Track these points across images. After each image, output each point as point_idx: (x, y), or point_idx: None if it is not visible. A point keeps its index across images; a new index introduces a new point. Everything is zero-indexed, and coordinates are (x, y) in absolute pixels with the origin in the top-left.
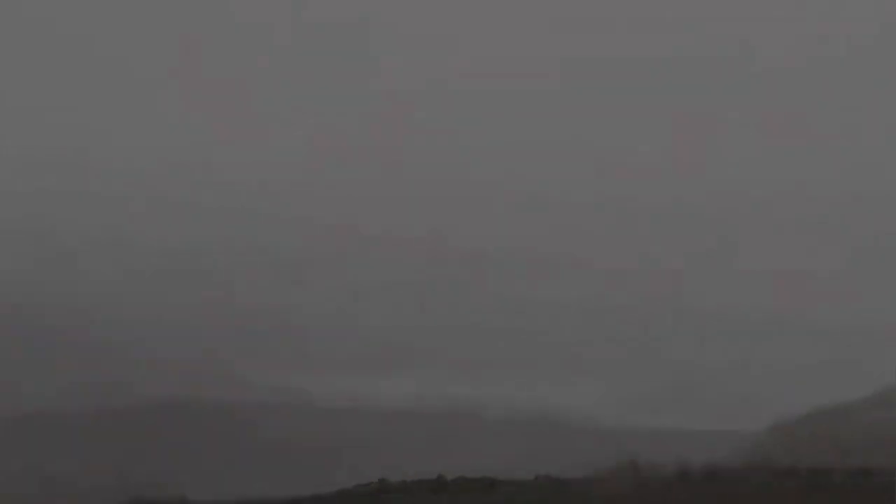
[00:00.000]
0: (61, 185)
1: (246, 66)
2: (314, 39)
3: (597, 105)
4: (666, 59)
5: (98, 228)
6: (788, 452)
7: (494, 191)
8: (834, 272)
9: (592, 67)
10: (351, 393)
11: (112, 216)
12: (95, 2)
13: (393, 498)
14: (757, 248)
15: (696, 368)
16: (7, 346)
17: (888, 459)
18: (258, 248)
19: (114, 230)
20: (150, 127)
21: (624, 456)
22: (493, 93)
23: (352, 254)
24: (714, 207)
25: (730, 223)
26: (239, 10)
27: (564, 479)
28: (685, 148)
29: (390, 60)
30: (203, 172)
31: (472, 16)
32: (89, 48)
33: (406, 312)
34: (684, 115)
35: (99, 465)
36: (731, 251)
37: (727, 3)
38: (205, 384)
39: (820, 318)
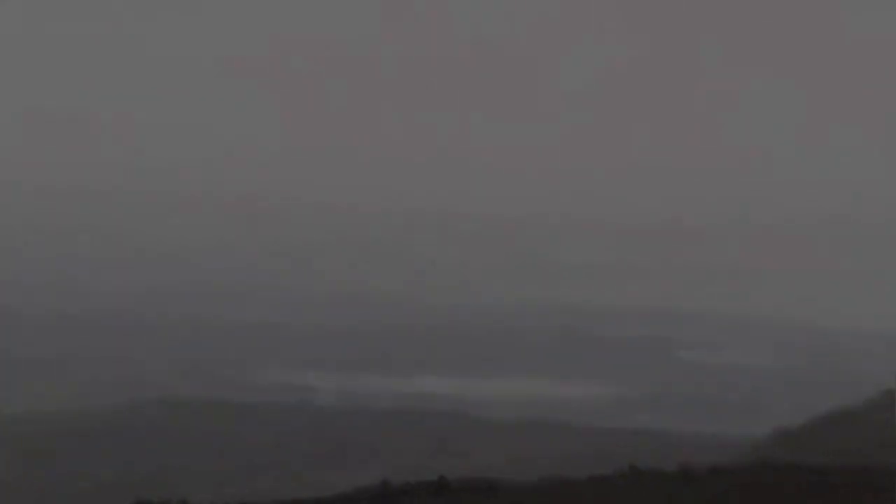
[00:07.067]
0: None
1: None
2: None
3: None
4: None
5: None
6: (791, 454)
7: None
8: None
9: None
10: (351, 393)
11: None
12: None
13: (395, 501)
14: None
15: (699, 371)
16: (7, 346)
17: (888, 461)
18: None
19: None
20: None
21: (624, 457)
22: None
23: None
24: None
25: None
26: None
27: (565, 480)
28: None
29: None
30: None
31: None
32: None
33: (404, 313)
34: None
35: (100, 466)
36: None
37: None
38: (204, 384)
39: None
